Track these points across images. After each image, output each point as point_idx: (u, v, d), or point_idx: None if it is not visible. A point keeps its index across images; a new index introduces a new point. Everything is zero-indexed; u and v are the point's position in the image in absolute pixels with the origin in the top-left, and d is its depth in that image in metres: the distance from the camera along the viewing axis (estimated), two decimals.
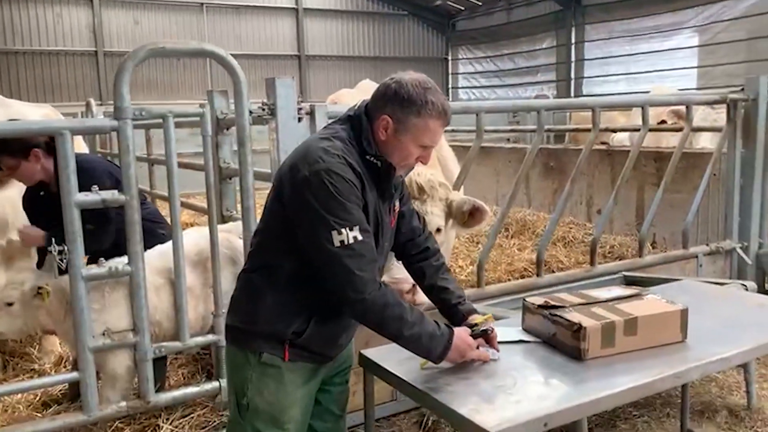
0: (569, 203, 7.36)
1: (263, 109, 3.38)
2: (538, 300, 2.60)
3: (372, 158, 2.17)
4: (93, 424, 3.19)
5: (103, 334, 3.14)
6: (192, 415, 3.39)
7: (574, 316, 2.41)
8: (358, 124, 2.20)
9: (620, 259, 5.89)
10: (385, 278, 2.93)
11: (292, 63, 23.64)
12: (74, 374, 3.15)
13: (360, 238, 2.05)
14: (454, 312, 2.44)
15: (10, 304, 3.27)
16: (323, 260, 2.07)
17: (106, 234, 3.47)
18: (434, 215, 3.51)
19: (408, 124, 2.13)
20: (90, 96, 20.07)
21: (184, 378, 3.94)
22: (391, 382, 2.33)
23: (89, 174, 3.22)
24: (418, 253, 2.53)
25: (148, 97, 19.76)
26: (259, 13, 23.03)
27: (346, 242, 2.03)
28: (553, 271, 5.79)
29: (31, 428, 3.02)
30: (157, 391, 3.49)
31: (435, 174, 3.66)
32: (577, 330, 2.34)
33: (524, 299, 2.66)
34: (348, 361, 2.50)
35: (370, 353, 2.46)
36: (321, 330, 2.21)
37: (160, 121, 3.22)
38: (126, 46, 19.99)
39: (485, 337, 2.37)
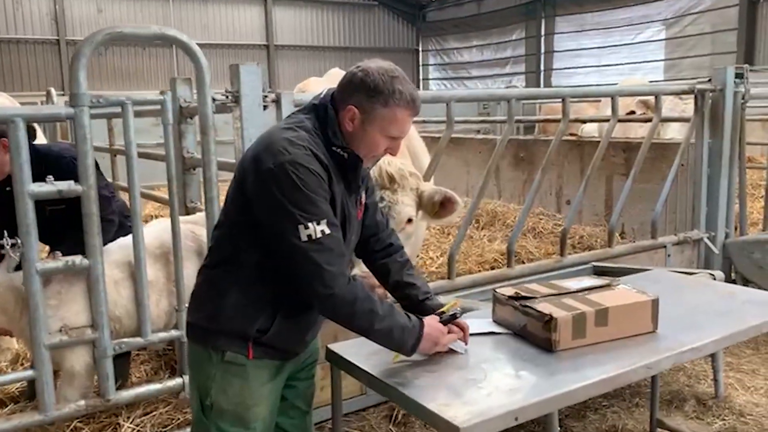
0: (539, 194, 7.40)
1: (227, 97, 3.28)
2: (509, 291, 2.55)
3: (338, 149, 2.10)
4: (50, 424, 3.07)
5: (60, 331, 3.03)
6: (154, 413, 3.29)
7: (544, 307, 2.37)
8: (323, 113, 2.12)
9: (590, 250, 5.90)
10: (356, 271, 2.86)
11: (260, 53, 23.36)
12: (29, 372, 3.03)
13: (328, 231, 1.99)
14: (421, 308, 2.37)
15: None
16: (290, 255, 2.00)
17: (112, 224, 3.39)
18: (405, 205, 3.44)
19: (375, 114, 2.06)
20: (52, 85, 19.62)
21: (147, 375, 3.83)
22: (359, 377, 2.26)
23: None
24: (381, 250, 2.46)
25: (113, 86, 19.35)
26: (227, 1, 22.69)
27: (313, 236, 1.96)
28: (524, 262, 5.77)
29: None
30: (120, 388, 3.39)
31: (405, 163, 3.60)
32: (548, 321, 2.29)
33: (494, 290, 2.61)
34: (314, 355, 2.43)
35: (338, 347, 2.39)
36: (287, 327, 2.13)
37: (118, 109, 3.09)
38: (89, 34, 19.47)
39: (454, 322, 2.30)
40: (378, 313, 2.06)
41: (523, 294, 2.50)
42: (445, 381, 2.12)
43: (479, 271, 5.51)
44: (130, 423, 3.21)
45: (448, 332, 2.27)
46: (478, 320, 2.61)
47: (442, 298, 3.92)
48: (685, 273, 3.81)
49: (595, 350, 2.31)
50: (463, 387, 2.07)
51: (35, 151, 3.12)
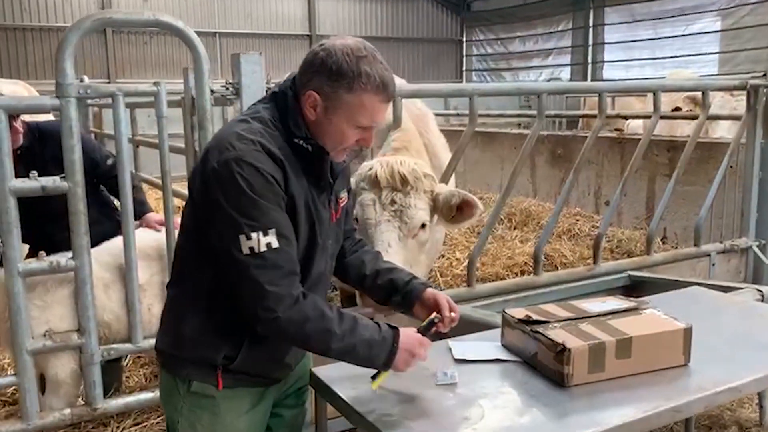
0: (576, 193, 7.04)
1: (227, 89, 3.06)
2: (519, 312, 2.26)
3: (301, 141, 1.81)
4: None
5: (45, 335, 2.86)
6: (145, 424, 3.10)
7: (558, 334, 2.07)
8: (282, 101, 1.84)
9: (628, 255, 5.55)
10: None
11: (302, 43, 23.19)
12: (11, 378, 2.88)
13: (275, 245, 1.70)
14: (410, 288, 2.08)
15: None
16: (230, 270, 1.74)
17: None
18: (418, 209, 3.14)
19: (338, 100, 1.77)
20: (101, 74, 19.85)
21: (147, 379, 3.65)
22: (339, 409, 2.00)
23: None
24: (352, 245, 2.21)
25: (151, 75, 19.43)
26: None
27: (256, 249, 1.69)
28: (556, 267, 5.47)
29: None
30: (111, 395, 3.23)
31: (420, 163, 3.31)
32: (561, 351, 2.00)
33: (504, 311, 2.32)
34: (304, 379, 2.17)
35: (322, 372, 2.12)
36: (258, 352, 1.87)
37: (147, 99, 3.02)
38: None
39: (432, 328, 2.01)
40: (334, 332, 1.77)
41: (535, 317, 2.20)
42: (436, 420, 1.85)
43: (506, 275, 5.20)
44: None
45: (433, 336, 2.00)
46: (484, 344, 2.33)
47: (464, 308, 3.69)
48: (729, 288, 3.43)
49: (615, 387, 2.00)
50: (455, 428, 1.80)
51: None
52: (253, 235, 1.68)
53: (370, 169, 3.14)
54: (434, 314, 2.02)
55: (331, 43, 1.79)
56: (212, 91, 3.02)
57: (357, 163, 3.54)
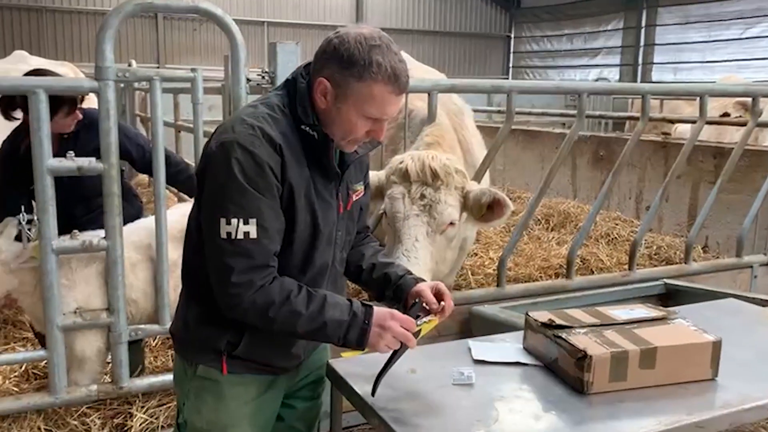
0: (617, 197, 6.88)
1: (263, 77, 3.08)
2: (543, 315, 2.21)
3: (307, 128, 1.78)
4: (59, 408, 2.99)
5: (75, 313, 2.92)
6: (169, 405, 3.14)
7: (580, 340, 2.02)
8: (293, 88, 1.82)
9: (667, 263, 5.41)
10: None
11: None
12: (41, 353, 2.96)
13: (253, 235, 1.69)
14: (402, 282, 2.01)
15: None
16: (208, 251, 1.75)
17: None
18: (448, 205, 3.09)
19: (348, 89, 1.72)
20: (150, 59, 20.21)
21: (173, 360, 3.69)
22: (354, 403, 1.98)
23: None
24: (360, 240, 2.17)
25: (184, 61, 19.70)
26: None
27: (233, 236, 1.68)
28: (593, 271, 5.36)
29: None
30: (138, 375, 3.29)
31: (452, 159, 3.27)
32: (582, 358, 1.95)
33: (527, 314, 2.27)
34: (320, 371, 2.16)
35: (339, 365, 2.11)
36: (262, 339, 1.85)
37: (188, 85, 3.03)
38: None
39: (418, 313, 1.90)
40: (301, 313, 1.72)
41: (559, 321, 2.15)
42: (449, 420, 1.82)
43: (540, 277, 5.11)
44: (143, 413, 3.08)
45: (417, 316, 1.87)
46: (507, 345, 2.29)
47: (492, 308, 3.64)
48: None
49: (636, 397, 1.94)
50: (468, 429, 1.77)
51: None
52: (233, 221, 1.68)
53: (401, 162, 3.11)
54: (417, 299, 1.94)
55: (345, 30, 1.76)
56: (248, 80, 3.03)
57: (388, 157, 3.52)
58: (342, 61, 1.71)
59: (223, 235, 1.69)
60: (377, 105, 1.74)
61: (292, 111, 1.79)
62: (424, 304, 1.92)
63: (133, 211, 3.49)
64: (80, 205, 3.37)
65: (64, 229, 2.85)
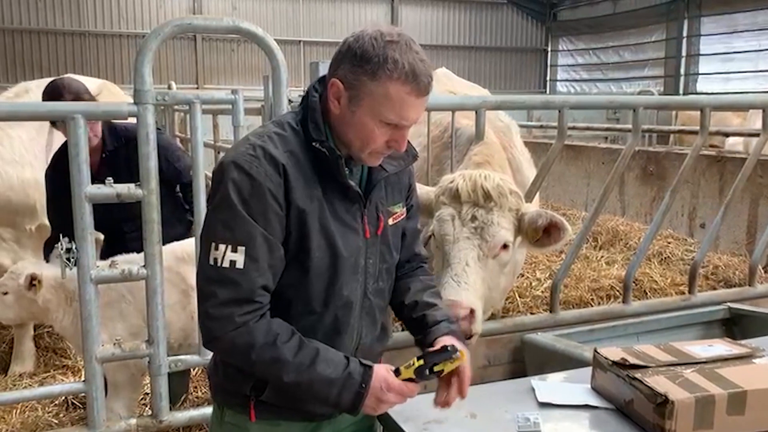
0: (669, 214, 6.59)
1: None
2: (614, 353, 2.02)
3: (317, 144, 1.63)
4: None
5: (114, 344, 2.83)
6: None
7: (658, 381, 1.83)
8: (305, 101, 1.69)
9: (726, 284, 5.13)
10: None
11: None
12: (79, 385, 2.86)
13: (240, 265, 1.55)
14: (433, 329, 1.81)
15: (5, 294, 3.04)
16: (196, 275, 1.64)
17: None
18: (501, 227, 2.91)
19: (362, 90, 1.56)
20: (189, 79, 20.55)
21: None
22: None
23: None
24: (410, 270, 1.99)
25: (222, 82, 19.96)
26: (355, 0, 22.82)
27: (219, 262, 1.55)
28: (646, 292, 5.11)
29: None
30: (179, 406, 3.19)
31: (505, 179, 3.10)
32: (662, 403, 1.76)
33: (595, 350, 2.09)
34: (370, 417, 1.96)
35: (393, 407, 1.95)
36: None
37: (228, 107, 2.98)
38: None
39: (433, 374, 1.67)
40: (286, 362, 1.56)
41: (633, 360, 1.96)
42: None
43: (591, 300, 4.89)
44: None
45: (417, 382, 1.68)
46: (572, 385, 2.10)
47: (540, 336, 3.45)
48: None
49: None
50: None
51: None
52: (221, 246, 1.56)
53: (451, 182, 2.95)
54: (449, 345, 1.70)
55: (363, 29, 1.61)
56: (290, 101, 2.93)
57: (436, 177, 3.37)
58: (355, 58, 1.56)
59: (210, 261, 1.57)
60: (394, 108, 1.57)
61: (304, 128, 1.66)
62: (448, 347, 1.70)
63: (181, 229, 3.42)
64: (129, 223, 3.32)
65: (113, 245, 2.79)
